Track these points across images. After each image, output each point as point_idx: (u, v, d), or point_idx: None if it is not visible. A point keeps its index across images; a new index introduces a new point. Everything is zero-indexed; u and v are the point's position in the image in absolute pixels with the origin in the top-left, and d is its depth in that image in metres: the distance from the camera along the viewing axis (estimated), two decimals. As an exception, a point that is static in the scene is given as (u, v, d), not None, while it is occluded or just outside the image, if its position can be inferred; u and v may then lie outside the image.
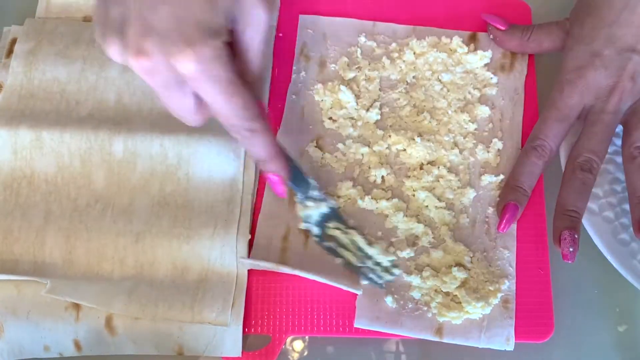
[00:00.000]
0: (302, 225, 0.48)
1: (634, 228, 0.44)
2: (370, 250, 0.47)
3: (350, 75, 0.54)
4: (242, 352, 0.46)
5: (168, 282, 0.47)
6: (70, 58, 0.53)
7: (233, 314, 0.46)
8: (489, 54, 0.54)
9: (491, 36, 0.54)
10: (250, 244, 0.49)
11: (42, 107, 0.51)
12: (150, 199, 0.49)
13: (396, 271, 0.47)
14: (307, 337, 0.48)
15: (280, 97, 0.54)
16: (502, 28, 0.53)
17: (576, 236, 0.44)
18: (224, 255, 0.47)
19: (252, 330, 0.47)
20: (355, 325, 0.46)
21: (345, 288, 0.46)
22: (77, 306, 0.46)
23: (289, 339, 0.48)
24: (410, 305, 0.46)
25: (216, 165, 0.50)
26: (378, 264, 0.47)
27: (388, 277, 0.47)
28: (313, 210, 0.48)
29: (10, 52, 0.54)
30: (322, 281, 0.46)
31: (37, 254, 0.48)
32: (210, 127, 0.50)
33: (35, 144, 0.50)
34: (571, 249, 0.44)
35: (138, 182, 0.49)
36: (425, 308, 0.46)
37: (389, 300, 0.46)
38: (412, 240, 0.49)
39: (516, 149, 0.51)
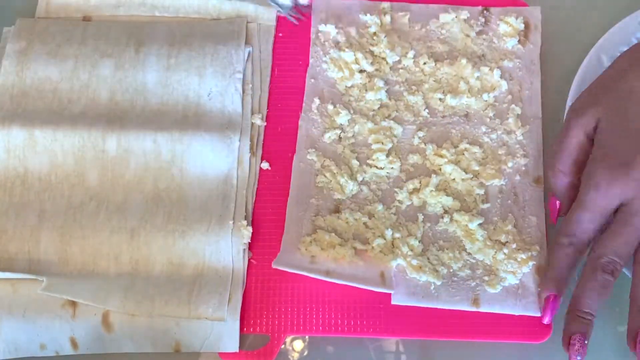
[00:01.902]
0: None
1: (628, 338, 0.44)
2: None
3: (366, 55, 0.54)
4: (240, 352, 0.46)
5: (164, 278, 0.47)
6: (62, 57, 0.54)
7: (230, 309, 0.47)
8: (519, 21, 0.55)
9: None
10: (252, 237, 0.49)
11: (34, 106, 0.52)
12: (144, 195, 0.50)
13: None
14: (306, 337, 0.48)
15: (280, 97, 0.55)
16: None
17: (586, 342, 0.44)
18: (220, 250, 0.48)
19: (251, 329, 0.47)
20: (393, 302, 0.47)
21: (377, 289, 0.46)
22: (73, 304, 0.47)
23: (288, 339, 0.48)
24: (445, 279, 0.47)
25: (210, 160, 0.51)
26: None
27: None
28: None
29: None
30: (353, 285, 0.46)
31: (32, 252, 0.48)
32: (203, 123, 0.51)
33: (28, 142, 0.50)
34: (579, 357, 0.44)
35: (132, 179, 0.50)
36: (461, 280, 0.47)
37: (423, 276, 0.47)
38: (442, 214, 0.50)
39: (536, 117, 0.52)
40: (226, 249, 0.48)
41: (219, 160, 0.51)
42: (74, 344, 0.46)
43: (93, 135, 0.50)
